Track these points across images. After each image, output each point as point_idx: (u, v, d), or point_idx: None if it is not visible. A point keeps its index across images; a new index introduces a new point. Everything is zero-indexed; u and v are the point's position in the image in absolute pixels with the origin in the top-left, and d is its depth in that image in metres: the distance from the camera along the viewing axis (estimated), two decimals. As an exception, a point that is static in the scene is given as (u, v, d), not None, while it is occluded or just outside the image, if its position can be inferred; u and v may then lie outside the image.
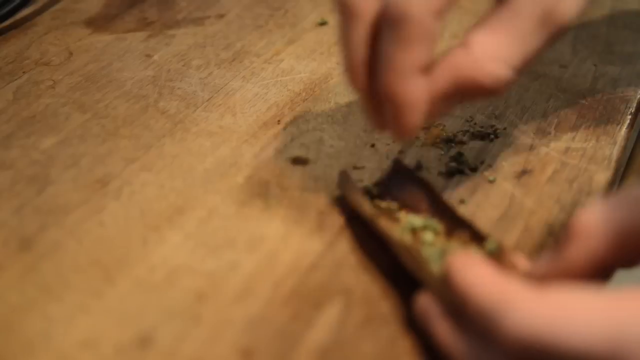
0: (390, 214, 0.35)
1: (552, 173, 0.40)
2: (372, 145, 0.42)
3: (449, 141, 0.42)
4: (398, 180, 0.37)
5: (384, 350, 0.30)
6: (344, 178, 0.37)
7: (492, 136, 0.43)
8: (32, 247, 0.35)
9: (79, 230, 0.36)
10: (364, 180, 0.39)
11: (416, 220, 0.34)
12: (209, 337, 0.31)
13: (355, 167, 0.40)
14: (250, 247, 0.35)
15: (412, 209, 0.35)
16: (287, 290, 0.33)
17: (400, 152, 0.41)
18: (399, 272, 0.33)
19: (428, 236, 0.33)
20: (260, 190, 0.39)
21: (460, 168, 0.40)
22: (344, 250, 0.35)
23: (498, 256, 0.31)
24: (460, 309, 0.28)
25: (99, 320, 0.32)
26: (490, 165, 0.40)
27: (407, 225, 0.34)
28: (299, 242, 0.36)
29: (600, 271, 0.27)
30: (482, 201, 0.38)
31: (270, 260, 0.35)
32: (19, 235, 0.36)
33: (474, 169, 0.40)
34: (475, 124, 0.44)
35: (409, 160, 0.41)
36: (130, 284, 0.33)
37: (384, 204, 0.36)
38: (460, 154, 0.41)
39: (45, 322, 0.31)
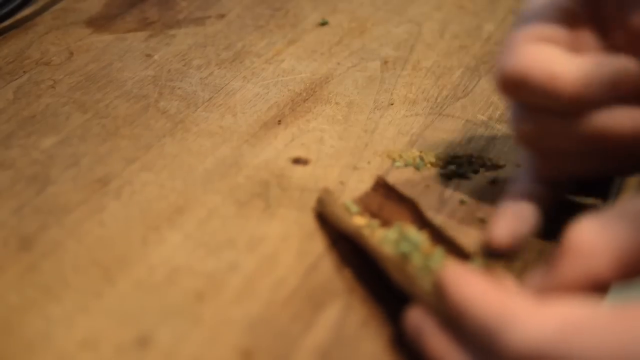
0: (372, 232, 0.34)
1: (553, 174, 0.40)
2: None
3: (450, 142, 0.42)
4: (380, 197, 0.37)
5: (384, 351, 0.30)
6: (324, 195, 0.37)
7: (493, 137, 0.43)
8: (32, 247, 0.35)
9: (79, 230, 0.36)
10: (364, 181, 0.39)
11: (394, 234, 0.33)
12: (209, 338, 0.31)
13: (355, 168, 0.40)
14: (250, 248, 0.35)
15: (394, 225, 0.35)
16: (287, 290, 0.33)
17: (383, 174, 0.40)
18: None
19: (413, 251, 0.32)
20: (261, 191, 0.39)
21: (460, 171, 0.40)
22: (344, 250, 0.35)
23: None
24: (457, 323, 0.27)
25: (99, 321, 0.32)
26: (491, 166, 0.40)
27: (389, 239, 0.33)
28: (299, 243, 0.36)
29: (596, 287, 0.26)
30: (482, 202, 0.38)
31: (270, 260, 0.35)
32: (19, 235, 0.36)
33: (476, 171, 0.40)
34: (475, 124, 0.44)
35: (407, 155, 0.41)
36: (130, 284, 0.33)
37: (364, 221, 0.36)
38: (458, 156, 0.41)
39: (45, 322, 0.31)
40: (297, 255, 0.35)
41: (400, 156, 0.41)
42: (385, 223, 0.35)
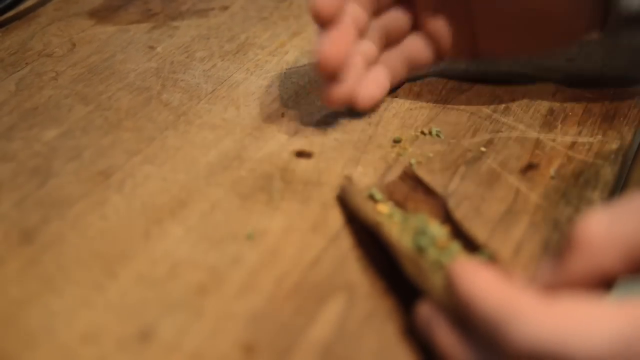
0: (392, 220, 0.34)
1: (558, 167, 0.39)
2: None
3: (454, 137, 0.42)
4: (406, 187, 0.37)
5: (387, 346, 0.30)
6: (346, 183, 0.37)
7: (497, 130, 0.42)
8: (34, 240, 0.35)
9: (81, 223, 0.36)
10: (368, 174, 0.39)
11: (416, 222, 0.33)
12: (211, 332, 0.31)
13: (359, 161, 0.40)
14: (253, 241, 0.35)
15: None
16: (290, 284, 0.33)
17: (411, 164, 0.40)
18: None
19: (429, 245, 0.32)
20: (264, 184, 0.39)
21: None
22: (348, 244, 0.35)
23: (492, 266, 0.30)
24: (465, 318, 0.27)
25: (101, 314, 0.31)
26: (495, 159, 0.40)
27: (409, 227, 0.33)
28: (302, 236, 0.35)
29: (604, 281, 0.26)
30: (487, 195, 0.38)
31: (273, 254, 0.34)
32: (21, 228, 0.36)
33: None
34: (480, 117, 0.43)
35: (412, 150, 0.40)
36: (132, 277, 0.33)
37: (387, 209, 0.35)
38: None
39: (47, 315, 0.31)
40: (300, 249, 0.35)
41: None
42: (407, 212, 0.35)
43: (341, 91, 0.40)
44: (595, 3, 0.40)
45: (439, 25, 0.43)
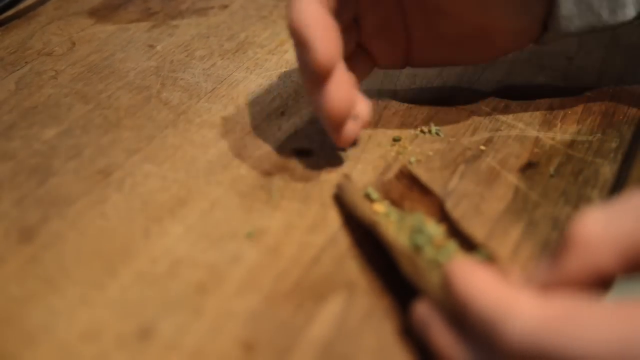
0: (389, 219, 0.35)
1: (558, 166, 0.39)
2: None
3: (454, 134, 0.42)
4: (402, 186, 0.37)
5: (386, 344, 0.30)
6: (344, 181, 0.37)
7: (497, 129, 0.42)
8: (34, 238, 0.35)
9: (81, 222, 0.36)
10: (367, 172, 0.39)
11: (413, 221, 0.33)
12: (210, 330, 0.31)
13: (358, 159, 0.40)
14: (252, 240, 0.35)
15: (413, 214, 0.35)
16: (289, 283, 0.33)
17: (410, 163, 0.40)
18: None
19: (426, 244, 0.32)
20: (263, 182, 0.39)
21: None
22: (347, 242, 0.35)
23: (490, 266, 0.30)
24: (461, 317, 0.27)
25: (100, 312, 0.31)
26: (495, 158, 0.40)
27: (406, 225, 0.33)
28: (301, 235, 0.35)
29: (601, 281, 0.26)
30: (486, 194, 0.38)
31: (272, 252, 0.34)
32: (20, 227, 0.36)
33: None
34: (479, 115, 0.43)
35: (412, 149, 0.40)
36: (131, 275, 0.33)
37: (383, 209, 0.35)
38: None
39: (47, 314, 0.31)
40: (300, 248, 0.35)
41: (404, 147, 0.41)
42: (404, 211, 0.35)
43: (354, 128, 0.38)
44: (535, 22, 0.40)
45: (379, 45, 0.42)
